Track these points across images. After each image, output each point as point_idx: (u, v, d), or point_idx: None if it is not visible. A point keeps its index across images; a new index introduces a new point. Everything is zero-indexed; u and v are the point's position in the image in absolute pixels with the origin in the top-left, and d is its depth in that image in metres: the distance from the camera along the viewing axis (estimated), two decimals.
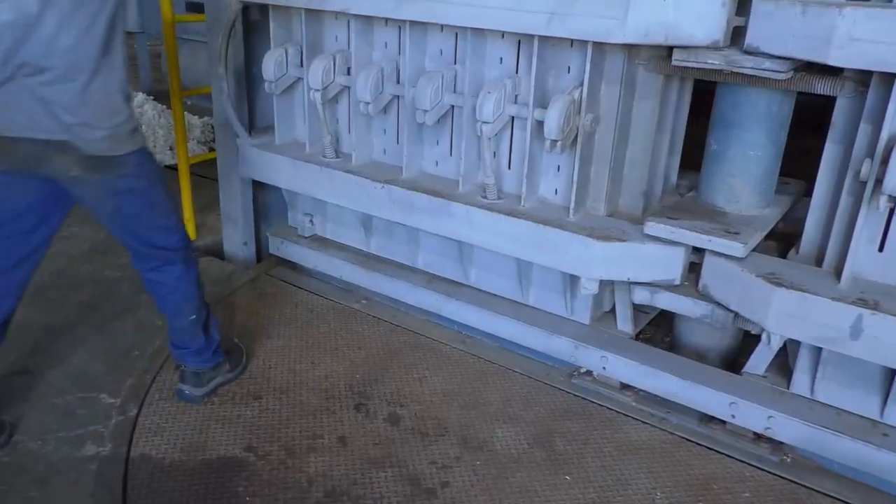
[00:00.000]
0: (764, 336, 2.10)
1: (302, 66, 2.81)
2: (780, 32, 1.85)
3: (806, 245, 2.22)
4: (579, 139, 2.26)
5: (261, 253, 3.36)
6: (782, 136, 2.28)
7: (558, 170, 2.45)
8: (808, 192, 2.28)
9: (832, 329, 1.91)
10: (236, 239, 3.27)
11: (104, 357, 2.55)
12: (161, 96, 5.30)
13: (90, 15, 1.79)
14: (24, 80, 1.79)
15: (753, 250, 2.16)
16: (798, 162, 2.66)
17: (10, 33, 1.75)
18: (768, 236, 2.31)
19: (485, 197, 2.50)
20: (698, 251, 2.25)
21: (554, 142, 2.22)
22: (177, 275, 2.18)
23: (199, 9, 4.76)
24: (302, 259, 3.21)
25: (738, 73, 2.00)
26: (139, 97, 5.45)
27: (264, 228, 3.35)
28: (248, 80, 3.08)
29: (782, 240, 2.42)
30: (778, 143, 2.28)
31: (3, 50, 1.76)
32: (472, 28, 2.33)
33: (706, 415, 2.28)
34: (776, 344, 2.09)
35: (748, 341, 2.43)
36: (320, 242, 3.21)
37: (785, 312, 1.99)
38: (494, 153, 2.48)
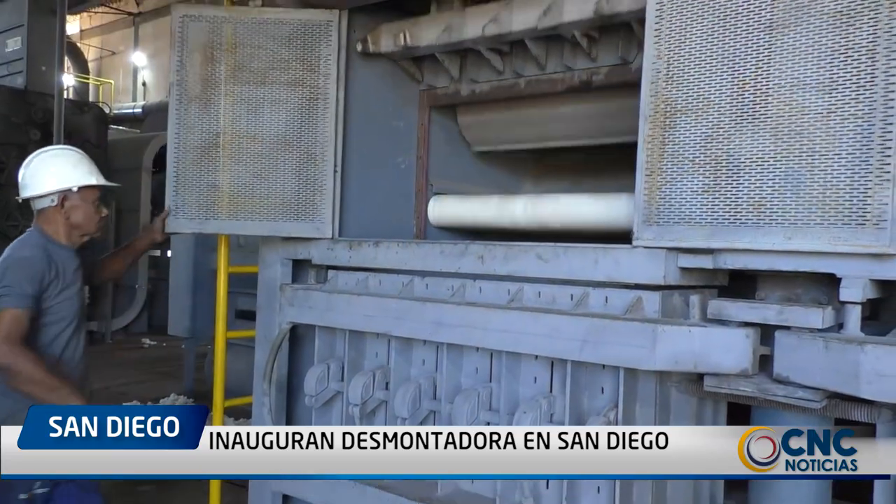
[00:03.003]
0: None
1: (342, 380, 2.92)
2: (808, 365, 1.91)
3: None
4: None
5: None
6: None
7: (598, 491, 2.37)
8: None
9: None
10: None
11: None
12: (200, 397, 5.45)
13: None
14: None
15: None
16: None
17: None
18: None
19: None
20: None
21: None
22: None
23: (246, 315, 5.09)
24: None
25: (771, 400, 2.03)
26: (179, 399, 5.60)
27: None
28: (289, 390, 3.19)
29: None
30: None
31: None
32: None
33: None
34: None
35: None
36: None
37: None
38: None
